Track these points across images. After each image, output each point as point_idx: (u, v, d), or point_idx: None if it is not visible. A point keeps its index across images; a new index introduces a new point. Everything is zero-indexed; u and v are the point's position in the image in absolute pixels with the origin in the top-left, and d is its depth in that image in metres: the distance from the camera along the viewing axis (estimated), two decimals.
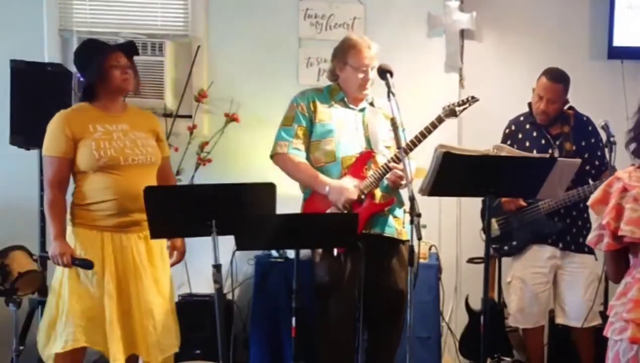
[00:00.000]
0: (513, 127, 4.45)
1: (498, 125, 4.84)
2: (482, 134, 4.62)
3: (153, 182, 3.58)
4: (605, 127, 4.01)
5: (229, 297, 4.48)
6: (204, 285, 4.65)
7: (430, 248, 4.63)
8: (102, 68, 3.47)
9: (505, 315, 4.62)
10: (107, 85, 3.51)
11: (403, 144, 3.51)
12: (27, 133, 4.28)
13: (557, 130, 4.30)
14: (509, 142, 4.37)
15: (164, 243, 3.64)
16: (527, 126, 4.39)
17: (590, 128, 4.33)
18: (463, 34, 5.04)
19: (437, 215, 4.91)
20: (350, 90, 3.89)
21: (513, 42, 5.12)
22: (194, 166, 4.87)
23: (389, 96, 3.59)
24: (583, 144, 4.27)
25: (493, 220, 4.38)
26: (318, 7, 5.01)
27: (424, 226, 3.69)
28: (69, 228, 3.48)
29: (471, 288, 4.65)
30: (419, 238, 3.25)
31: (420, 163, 3.84)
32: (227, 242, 3.28)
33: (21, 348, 3.72)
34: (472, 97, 3.81)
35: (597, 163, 4.28)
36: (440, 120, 3.75)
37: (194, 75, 4.96)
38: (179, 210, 3.27)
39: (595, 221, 2.63)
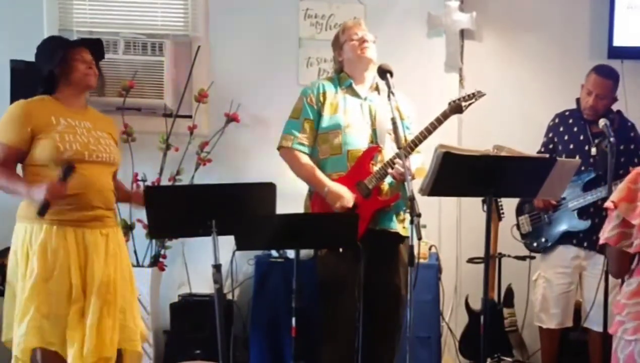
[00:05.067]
0: (557, 120, 4.50)
1: (498, 125, 4.87)
2: (482, 134, 4.62)
3: (111, 181, 3.54)
4: (606, 128, 4.00)
5: (229, 297, 4.48)
6: (204, 285, 4.67)
7: (430, 248, 4.63)
8: (65, 59, 3.41)
9: (504, 315, 4.63)
10: (69, 77, 3.44)
11: (402, 145, 3.50)
12: None
13: (598, 129, 4.26)
14: (550, 134, 4.49)
15: (122, 240, 3.59)
16: (570, 121, 4.44)
17: (632, 134, 4.34)
18: (463, 34, 5.04)
19: (437, 215, 4.92)
20: (355, 68, 3.89)
21: (513, 42, 5.11)
22: (194, 166, 4.87)
23: (389, 96, 3.59)
24: (622, 147, 4.19)
25: (526, 216, 4.50)
26: (318, 7, 5.02)
27: (424, 226, 3.69)
28: (24, 225, 3.34)
29: (471, 288, 4.65)
30: (419, 238, 3.24)
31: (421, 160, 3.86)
32: (227, 242, 3.28)
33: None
34: (479, 92, 3.74)
35: (630, 170, 4.24)
36: (445, 115, 3.72)
37: (194, 75, 4.96)
38: (179, 210, 3.27)
39: (614, 219, 2.60)
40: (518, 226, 4.55)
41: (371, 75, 3.88)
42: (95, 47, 3.59)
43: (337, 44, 3.96)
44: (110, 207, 3.51)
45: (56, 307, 3.30)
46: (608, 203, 2.69)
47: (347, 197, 3.72)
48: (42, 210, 3.19)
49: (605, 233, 2.61)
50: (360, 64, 3.88)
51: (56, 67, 3.41)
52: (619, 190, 2.57)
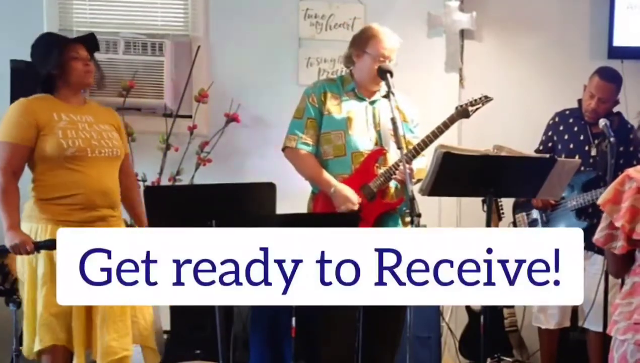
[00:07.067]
0: (557, 118, 4.50)
1: (498, 125, 4.86)
2: (482, 134, 4.62)
3: (117, 176, 3.57)
4: (606, 128, 4.00)
5: None
6: None
7: None
8: (61, 59, 3.43)
9: (504, 315, 4.63)
10: (67, 77, 3.47)
11: (403, 145, 3.49)
12: None
13: (599, 129, 4.24)
14: (550, 133, 4.48)
15: None
16: (571, 120, 4.43)
17: (631, 136, 4.33)
18: (463, 34, 5.04)
19: (437, 215, 4.91)
20: (364, 80, 3.84)
21: (513, 42, 5.12)
22: (194, 166, 4.87)
23: (388, 96, 3.59)
24: (621, 149, 4.17)
25: (523, 214, 4.50)
26: (318, 7, 5.01)
27: (424, 226, 3.69)
28: (29, 225, 3.38)
29: None
30: None
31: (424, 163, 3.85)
32: None
33: (21, 348, 3.71)
34: (486, 96, 3.75)
35: None
36: (452, 120, 3.72)
37: (194, 75, 4.96)
38: (179, 210, 3.27)
39: (603, 220, 2.61)
40: (515, 224, 4.55)
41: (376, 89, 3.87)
42: (89, 41, 3.59)
43: (361, 47, 3.82)
44: (115, 206, 3.53)
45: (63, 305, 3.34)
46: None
47: (354, 199, 3.71)
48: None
49: (596, 234, 2.63)
50: (372, 83, 3.84)
51: (54, 69, 3.44)
52: (607, 191, 2.59)
